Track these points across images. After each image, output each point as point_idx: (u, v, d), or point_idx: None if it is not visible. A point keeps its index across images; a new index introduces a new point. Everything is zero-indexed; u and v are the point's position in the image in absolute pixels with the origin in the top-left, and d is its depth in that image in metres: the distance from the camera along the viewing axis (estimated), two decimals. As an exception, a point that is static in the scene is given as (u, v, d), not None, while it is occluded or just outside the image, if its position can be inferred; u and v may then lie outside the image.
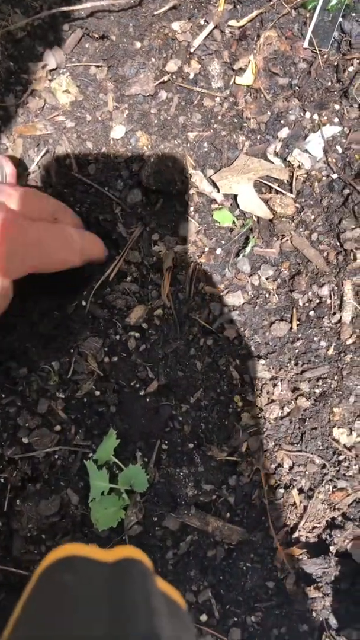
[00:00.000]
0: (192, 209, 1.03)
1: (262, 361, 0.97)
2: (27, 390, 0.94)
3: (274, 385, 0.96)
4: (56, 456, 0.96)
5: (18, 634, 0.38)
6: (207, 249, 1.02)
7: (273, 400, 0.96)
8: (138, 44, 1.05)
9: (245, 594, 0.94)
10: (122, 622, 0.37)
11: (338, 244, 1.00)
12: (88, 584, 0.41)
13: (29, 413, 0.94)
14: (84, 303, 1.00)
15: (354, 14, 1.05)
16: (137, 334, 0.98)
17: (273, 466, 0.97)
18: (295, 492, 0.96)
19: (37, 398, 0.95)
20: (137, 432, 0.97)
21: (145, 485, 0.92)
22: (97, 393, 0.97)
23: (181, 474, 0.95)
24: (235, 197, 1.02)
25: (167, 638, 0.37)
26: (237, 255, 1.01)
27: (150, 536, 0.96)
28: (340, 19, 1.05)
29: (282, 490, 0.96)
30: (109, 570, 0.42)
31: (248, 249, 0.98)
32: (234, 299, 0.99)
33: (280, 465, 0.97)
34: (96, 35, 1.04)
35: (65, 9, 1.01)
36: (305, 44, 1.06)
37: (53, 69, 1.03)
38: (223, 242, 1.02)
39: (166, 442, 0.96)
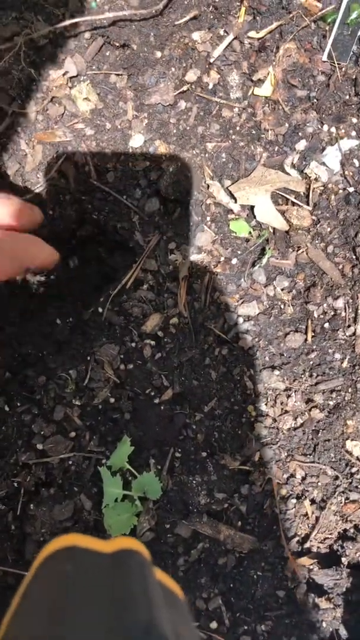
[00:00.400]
0: (209, 218, 1.04)
1: (276, 372, 0.97)
2: (44, 399, 0.95)
3: (288, 396, 0.97)
4: (70, 462, 0.97)
5: (17, 624, 0.38)
6: (222, 259, 1.03)
7: (287, 411, 0.97)
8: (158, 54, 1.05)
9: (255, 602, 0.95)
10: (121, 612, 0.38)
11: (354, 256, 1.00)
12: (87, 574, 0.41)
13: (45, 420, 0.95)
14: (100, 309, 1.01)
15: (373, 29, 1.06)
16: (152, 342, 0.98)
17: (285, 476, 0.97)
18: (307, 502, 0.96)
19: (53, 405, 0.95)
20: (151, 439, 0.97)
21: (158, 493, 0.93)
22: (112, 400, 0.98)
23: (194, 482, 0.96)
24: (252, 208, 1.03)
25: (166, 628, 0.38)
26: (253, 265, 1.02)
27: (162, 543, 0.96)
28: (359, 33, 1.05)
29: (294, 501, 0.97)
30: (108, 560, 0.42)
31: (264, 260, 0.99)
32: (249, 309, 1.00)
33: (292, 475, 0.98)
34: (117, 44, 1.05)
35: (87, 18, 1.01)
36: (324, 57, 1.07)
37: (73, 77, 1.04)
38: (239, 252, 1.03)
39: (180, 450, 0.97)
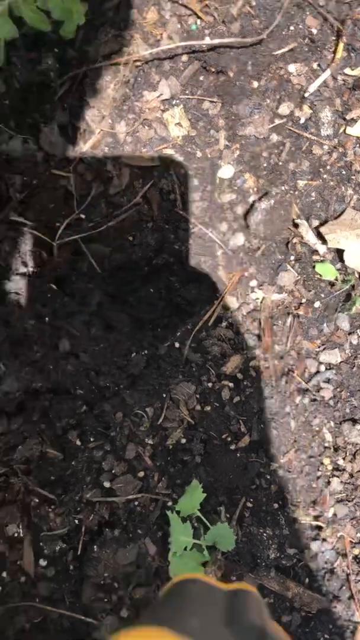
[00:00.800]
0: (293, 258, 1.00)
1: (357, 426, 0.94)
2: (118, 436, 0.91)
3: (369, 453, 0.93)
4: (136, 503, 0.93)
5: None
6: (304, 301, 1.00)
7: (366, 467, 0.93)
8: (255, 83, 1.02)
9: (321, 666, 0.91)
10: (237, 618, 0.43)
11: None
12: (209, 597, 0.46)
13: (116, 458, 0.91)
14: (177, 344, 0.97)
15: None
16: (231, 384, 0.95)
17: (359, 535, 0.94)
18: (380, 564, 0.93)
19: (126, 443, 0.91)
20: (221, 486, 0.94)
21: (232, 545, 0.89)
22: (184, 441, 0.94)
23: (264, 534, 0.92)
24: (338, 251, 1.00)
25: None
26: (337, 311, 0.98)
27: (225, 594, 0.92)
28: None
29: (367, 561, 0.93)
30: (226, 595, 0.46)
31: (354, 308, 0.95)
32: (330, 357, 0.96)
33: (366, 534, 0.94)
34: (213, 70, 1.01)
35: (188, 43, 0.98)
36: None
37: (167, 100, 1.00)
38: (322, 295, 0.99)
39: (251, 499, 0.93)
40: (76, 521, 0.92)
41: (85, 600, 0.91)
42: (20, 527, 0.91)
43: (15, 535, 0.91)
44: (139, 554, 0.92)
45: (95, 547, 0.91)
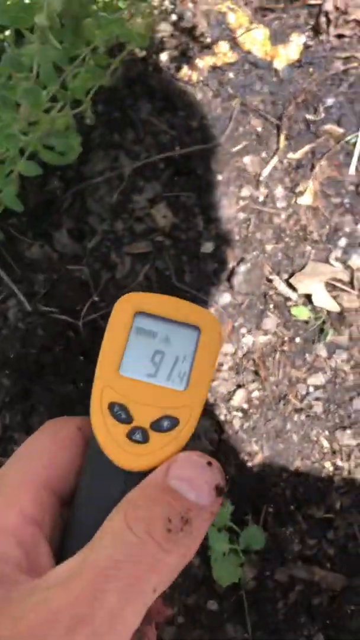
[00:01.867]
0: (271, 306, 1.25)
1: (347, 431, 1.16)
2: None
3: (360, 451, 1.15)
4: (177, 524, 1.12)
5: None
6: (287, 338, 1.23)
7: None
8: (220, 176, 1.29)
9: (353, 634, 1.09)
10: None
11: None
12: None
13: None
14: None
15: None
16: (240, 414, 1.16)
17: (364, 521, 1.14)
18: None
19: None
20: (245, 498, 1.13)
21: (262, 542, 1.08)
22: (208, 466, 1.14)
23: (287, 532, 1.12)
24: (307, 295, 1.24)
25: None
26: (314, 343, 1.22)
27: (263, 589, 1.11)
28: (379, 152, 1.31)
29: (374, 541, 1.13)
30: None
31: (327, 338, 1.19)
32: (316, 379, 1.19)
33: (369, 519, 1.14)
34: (185, 171, 1.28)
35: (162, 155, 1.25)
36: (351, 171, 1.32)
37: (151, 198, 1.26)
38: (301, 332, 1.23)
39: (272, 505, 1.13)
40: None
41: (149, 614, 1.09)
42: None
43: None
44: (186, 566, 1.10)
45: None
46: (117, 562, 0.36)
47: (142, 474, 0.43)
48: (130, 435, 0.45)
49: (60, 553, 0.45)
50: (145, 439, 0.45)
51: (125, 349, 0.48)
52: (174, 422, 0.45)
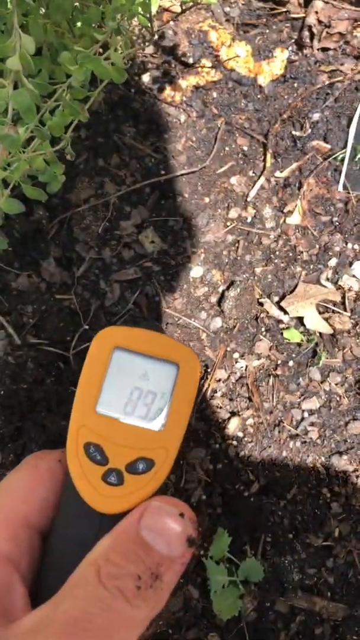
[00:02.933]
0: (263, 329, 1.23)
1: (344, 456, 1.14)
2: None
3: (357, 477, 1.13)
4: (175, 556, 1.10)
5: None
6: (280, 362, 1.21)
7: (357, 490, 1.13)
8: (206, 199, 1.27)
9: (356, 665, 1.08)
10: None
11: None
12: None
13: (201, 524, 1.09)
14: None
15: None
16: (235, 442, 1.15)
17: (364, 547, 1.13)
18: (386, 568, 1.11)
19: (158, 507, 1.10)
20: (243, 528, 1.12)
21: (261, 575, 1.07)
22: (204, 497, 1.13)
23: (286, 561, 1.10)
24: (299, 318, 1.23)
25: None
26: (307, 366, 1.20)
27: (264, 621, 1.09)
28: (367, 168, 1.29)
29: (374, 568, 1.11)
30: None
31: (321, 362, 1.17)
32: (310, 404, 1.17)
33: (369, 545, 1.13)
34: (171, 194, 1.26)
35: (148, 181, 1.23)
36: (340, 188, 1.30)
37: (139, 224, 1.24)
38: (293, 355, 1.21)
39: (270, 534, 1.12)
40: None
41: (148, 650, 1.07)
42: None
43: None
44: (185, 599, 1.09)
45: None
46: (89, 615, 0.37)
47: (118, 516, 0.43)
48: (105, 478, 0.45)
49: (37, 592, 0.45)
50: (120, 481, 0.45)
51: (103, 385, 0.49)
52: (150, 464, 0.46)
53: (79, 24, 0.99)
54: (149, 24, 0.85)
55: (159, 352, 0.49)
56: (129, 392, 0.49)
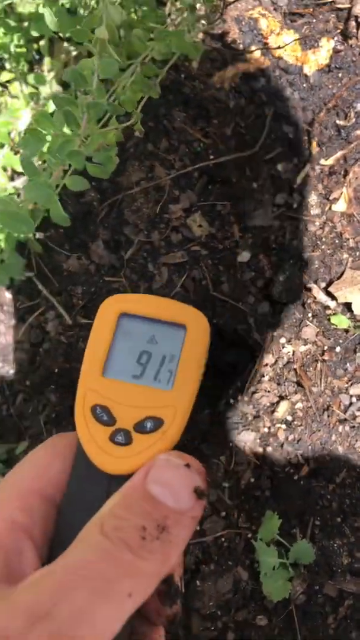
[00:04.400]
0: (310, 315, 1.23)
1: (393, 440, 1.15)
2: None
3: None
4: (223, 539, 1.11)
5: None
6: (327, 348, 1.21)
7: None
8: (254, 184, 1.28)
9: None
10: None
11: None
12: None
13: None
14: (232, 401, 1.17)
15: None
16: (284, 426, 1.15)
17: None
18: None
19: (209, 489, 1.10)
20: (292, 511, 1.12)
21: (311, 557, 1.07)
22: (253, 480, 1.13)
23: (335, 545, 1.10)
24: (346, 304, 1.23)
25: None
26: (355, 352, 1.21)
27: (312, 604, 1.09)
28: None
29: None
30: None
31: (368, 347, 1.18)
32: (358, 390, 1.18)
33: None
34: (219, 179, 1.27)
35: (197, 166, 1.24)
36: (386, 177, 1.31)
37: (187, 208, 1.25)
38: (341, 341, 1.22)
39: (318, 518, 1.12)
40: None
41: (195, 631, 1.07)
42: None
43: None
44: (234, 581, 1.09)
45: (197, 582, 1.08)
46: (89, 562, 0.36)
47: (126, 477, 0.42)
48: (112, 438, 0.44)
49: (49, 560, 0.44)
50: (128, 441, 0.44)
51: (110, 351, 0.48)
52: (158, 422, 0.45)
53: (144, 7, 1.00)
54: (218, 1, 0.86)
55: (165, 315, 0.48)
56: (136, 356, 0.48)
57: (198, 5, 0.97)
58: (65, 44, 1.33)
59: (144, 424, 0.45)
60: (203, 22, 0.97)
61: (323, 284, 1.25)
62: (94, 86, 0.71)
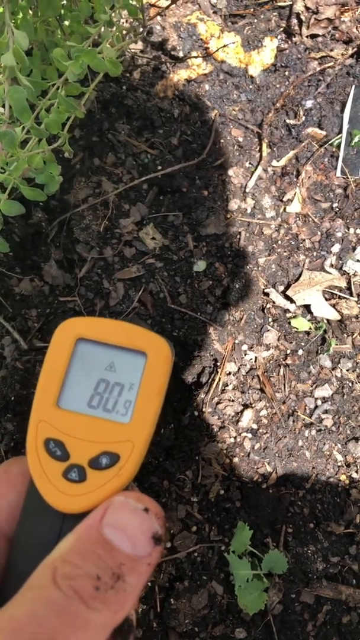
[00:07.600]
0: (270, 319, 1.22)
1: (360, 442, 1.13)
2: (168, 501, 1.08)
3: (375, 461, 1.12)
4: (196, 554, 1.09)
5: None
6: (289, 351, 1.20)
7: (376, 474, 1.12)
8: (205, 192, 1.26)
9: (386, 651, 1.06)
10: None
11: None
12: None
13: (171, 520, 1.08)
14: (196, 413, 1.16)
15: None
16: (249, 435, 1.14)
17: (386, 532, 1.11)
18: None
19: (176, 505, 1.09)
20: (263, 521, 1.11)
21: (285, 566, 1.05)
22: (222, 492, 1.11)
23: (308, 551, 1.09)
24: (305, 306, 1.22)
25: None
26: (317, 354, 1.19)
27: (290, 612, 1.08)
28: (364, 152, 1.28)
29: None
30: None
31: (330, 348, 1.16)
32: (323, 392, 1.16)
33: (391, 530, 1.12)
34: (170, 189, 1.25)
35: (146, 177, 1.22)
36: (338, 173, 1.29)
37: (139, 221, 1.23)
38: (302, 344, 1.20)
39: (290, 525, 1.10)
40: (149, 583, 1.08)
41: (176, 650, 1.06)
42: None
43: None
44: (210, 596, 1.07)
45: (171, 600, 1.06)
46: (38, 618, 0.33)
47: (81, 515, 0.41)
48: (66, 474, 0.42)
49: (1, 591, 0.42)
50: (82, 478, 0.42)
51: (65, 379, 0.46)
52: (114, 458, 0.43)
53: (67, 22, 0.98)
54: (141, 15, 0.84)
55: (125, 341, 0.46)
56: (94, 385, 0.46)
57: (122, 20, 0.95)
58: None
59: (99, 460, 0.43)
60: (131, 35, 0.95)
61: (281, 288, 1.24)
62: (5, 115, 0.70)
